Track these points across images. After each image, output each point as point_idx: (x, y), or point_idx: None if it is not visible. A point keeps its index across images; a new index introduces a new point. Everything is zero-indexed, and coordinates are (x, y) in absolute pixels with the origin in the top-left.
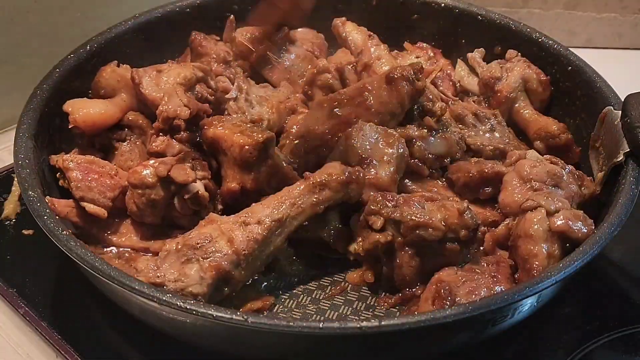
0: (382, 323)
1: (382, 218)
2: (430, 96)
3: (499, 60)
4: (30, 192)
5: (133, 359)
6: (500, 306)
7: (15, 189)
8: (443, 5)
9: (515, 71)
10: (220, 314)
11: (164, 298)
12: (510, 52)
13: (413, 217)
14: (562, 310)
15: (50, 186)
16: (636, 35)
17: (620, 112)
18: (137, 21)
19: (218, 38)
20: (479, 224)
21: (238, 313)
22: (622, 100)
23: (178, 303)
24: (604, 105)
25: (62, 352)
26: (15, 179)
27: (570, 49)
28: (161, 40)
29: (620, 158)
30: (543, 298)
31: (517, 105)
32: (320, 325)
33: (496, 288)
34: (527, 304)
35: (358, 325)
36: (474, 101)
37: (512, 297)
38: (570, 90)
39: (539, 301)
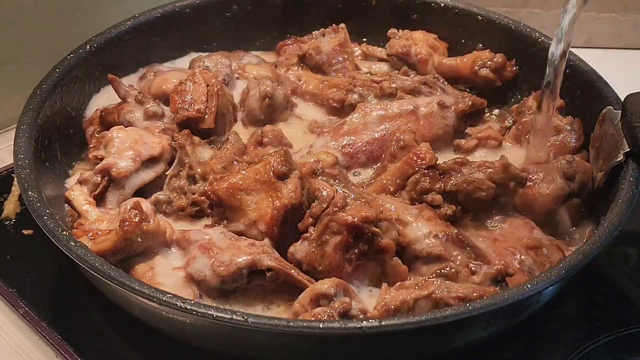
0: (382, 323)
1: (438, 194)
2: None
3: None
4: (30, 192)
5: (133, 359)
6: (501, 306)
7: (15, 189)
8: (443, 5)
9: (415, 33)
10: (220, 314)
11: (164, 298)
12: (393, 31)
13: (468, 185)
14: (562, 310)
15: (50, 186)
16: (636, 35)
17: (620, 112)
18: (137, 21)
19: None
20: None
21: (238, 313)
22: (622, 100)
23: (178, 303)
24: (603, 105)
25: (62, 352)
26: (15, 179)
27: (570, 49)
28: (161, 41)
29: (620, 158)
30: (543, 298)
31: (437, 59)
32: (320, 325)
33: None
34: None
35: (358, 325)
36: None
37: (512, 297)
38: (570, 90)
39: (539, 301)
